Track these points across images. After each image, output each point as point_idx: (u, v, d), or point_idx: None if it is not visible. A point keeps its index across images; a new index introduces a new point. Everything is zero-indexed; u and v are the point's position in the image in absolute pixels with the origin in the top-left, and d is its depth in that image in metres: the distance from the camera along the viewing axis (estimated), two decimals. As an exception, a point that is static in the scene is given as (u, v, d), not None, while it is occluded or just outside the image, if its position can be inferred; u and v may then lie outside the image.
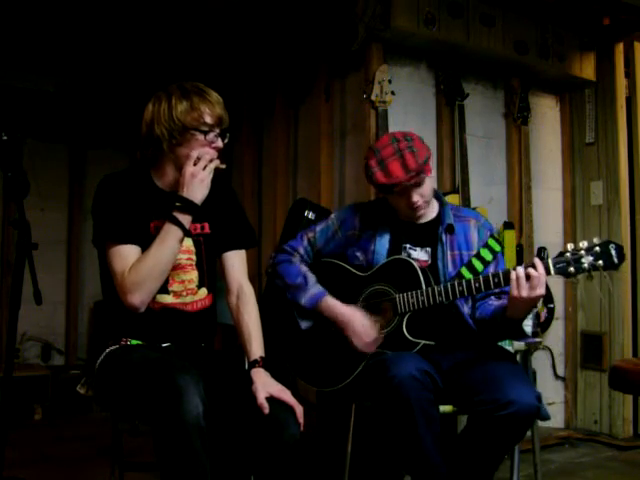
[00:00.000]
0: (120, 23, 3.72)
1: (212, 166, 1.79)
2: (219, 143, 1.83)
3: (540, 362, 3.62)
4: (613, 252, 1.80)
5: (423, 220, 2.16)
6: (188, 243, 1.87)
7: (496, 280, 1.91)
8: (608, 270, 1.81)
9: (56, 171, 4.75)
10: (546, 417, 1.97)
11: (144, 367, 1.63)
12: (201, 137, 1.78)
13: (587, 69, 3.67)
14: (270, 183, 4.03)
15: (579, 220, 3.78)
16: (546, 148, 3.81)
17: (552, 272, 1.84)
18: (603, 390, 3.57)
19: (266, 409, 1.64)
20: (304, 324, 2.21)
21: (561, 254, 1.85)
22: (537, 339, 2.26)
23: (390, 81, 3.03)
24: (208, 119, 1.78)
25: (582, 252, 1.82)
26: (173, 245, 1.75)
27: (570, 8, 3.44)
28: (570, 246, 1.85)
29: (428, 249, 2.13)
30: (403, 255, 2.11)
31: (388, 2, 3.04)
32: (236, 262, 1.96)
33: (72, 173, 4.82)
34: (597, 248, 1.81)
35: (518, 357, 2.30)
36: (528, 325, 2.63)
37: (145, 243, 1.77)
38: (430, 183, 2.10)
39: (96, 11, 3.57)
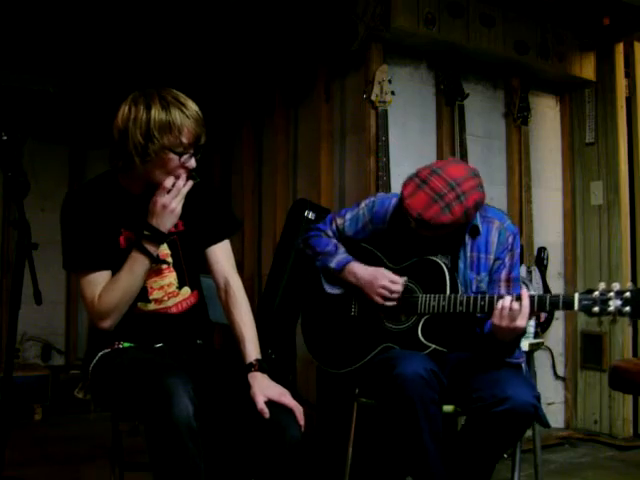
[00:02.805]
0: (121, 23, 3.72)
1: (184, 191, 1.72)
2: (192, 163, 1.73)
3: (540, 362, 3.62)
4: None
5: None
6: (163, 246, 1.82)
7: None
8: (634, 318, 1.76)
9: (56, 171, 4.76)
10: (546, 424, 1.97)
11: (133, 370, 1.64)
12: (176, 158, 1.70)
13: (587, 69, 3.67)
14: (270, 183, 4.03)
15: (579, 220, 3.78)
16: (546, 148, 3.80)
17: (576, 307, 1.80)
18: (603, 390, 3.57)
19: (266, 414, 1.62)
20: (330, 289, 2.22)
21: (589, 291, 1.79)
22: (539, 339, 2.24)
23: (390, 81, 3.03)
24: (185, 139, 1.68)
25: (611, 294, 1.75)
26: (141, 273, 1.73)
27: (570, 8, 3.44)
28: (601, 285, 1.78)
29: (448, 255, 2.10)
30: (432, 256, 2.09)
31: (388, 2, 3.04)
32: (220, 256, 1.91)
33: (72, 173, 4.82)
34: (628, 294, 1.73)
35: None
36: (530, 325, 2.63)
37: (115, 259, 1.75)
38: (450, 231, 2.00)
39: (96, 11, 3.57)
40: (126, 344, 1.82)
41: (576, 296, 1.80)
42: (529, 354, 2.45)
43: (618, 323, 3.51)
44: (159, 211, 1.70)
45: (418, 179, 1.95)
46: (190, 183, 1.74)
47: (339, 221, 2.26)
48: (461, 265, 2.08)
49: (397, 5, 3.04)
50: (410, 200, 1.93)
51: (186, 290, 1.88)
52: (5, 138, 1.78)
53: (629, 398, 3.49)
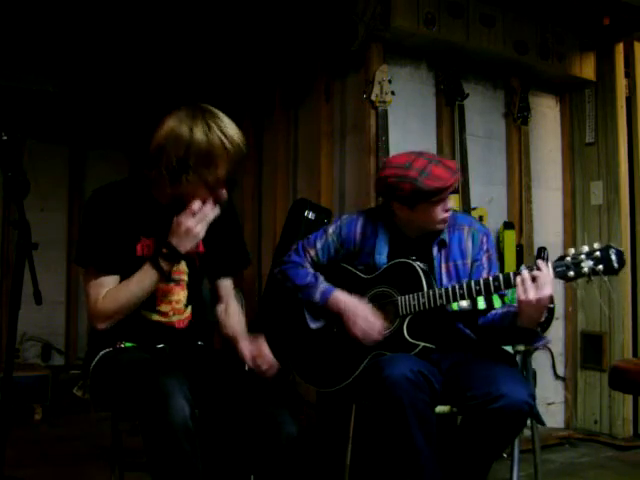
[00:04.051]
0: (120, 23, 3.72)
1: (210, 217, 1.71)
2: (223, 194, 1.73)
3: (540, 362, 3.62)
4: (613, 257, 1.78)
5: (418, 234, 2.14)
6: (181, 264, 1.84)
7: (496, 284, 1.91)
8: (608, 275, 1.79)
9: (56, 171, 4.76)
10: (540, 422, 1.97)
11: (131, 370, 1.64)
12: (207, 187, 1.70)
13: (587, 69, 3.67)
14: (270, 183, 4.03)
15: (579, 220, 3.78)
16: (546, 148, 3.80)
17: (551, 275, 1.83)
18: (603, 390, 3.57)
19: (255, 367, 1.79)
20: (314, 324, 2.23)
21: (561, 258, 1.85)
22: (548, 338, 2.29)
23: (390, 81, 3.03)
24: (220, 174, 1.67)
25: (582, 256, 1.81)
26: (149, 287, 1.73)
27: (570, 8, 3.44)
28: (571, 250, 1.84)
29: (425, 264, 2.12)
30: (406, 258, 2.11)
31: (388, 2, 3.04)
32: (228, 288, 2.01)
33: (72, 173, 4.83)
34: (597, 253, 1.80)
35: (518, 357, 2.29)
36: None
37: (127, 265, 1.74)
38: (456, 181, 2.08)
39: (96, 11, 3.57)
40: (128, 344, 1.82)
41: (550, 265, 1.84)
42: (528, 354, 2.45)
43: (617, 322, 3.52)
44: (182, 233, 1.69)
45: (418, 162, 2.03)
46: (217, 210, 1.73)
47: (312, 252, 2.27)
48: (436, 277, 2.11)
49: (397, 5, 3.04)
50: (443, 176, 1.98)
51: (189, 309, 1.89)
52: (5, 138, 1.78)
53: (629, 398, 3.49)
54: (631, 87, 3.62)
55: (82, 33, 3.87)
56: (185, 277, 1.87)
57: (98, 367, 1.79)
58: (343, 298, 2.13)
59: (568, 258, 1.83)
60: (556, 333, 3.74)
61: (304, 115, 3.84)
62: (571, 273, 1.82)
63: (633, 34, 3.58)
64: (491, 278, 1.92)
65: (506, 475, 2.33)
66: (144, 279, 1.72)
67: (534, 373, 3.27)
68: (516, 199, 3.55)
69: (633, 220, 3.59)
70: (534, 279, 1.83)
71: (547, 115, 3.83)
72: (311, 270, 2.24)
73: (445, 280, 2.10)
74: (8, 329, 1.85)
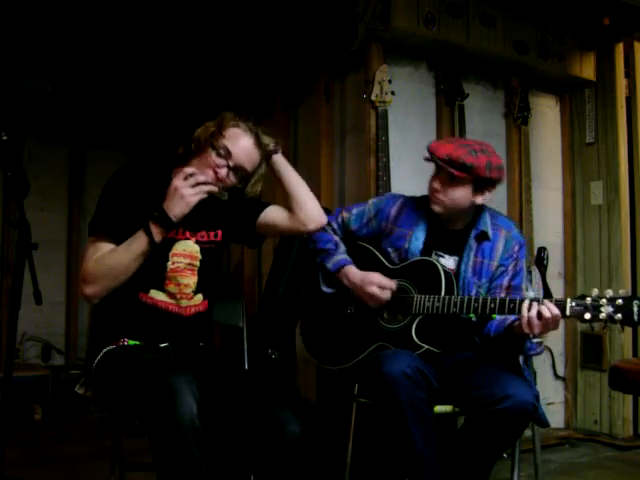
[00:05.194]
0: (121, 22, 3.72)
1: (205, 188, 1.75)
2: (222, 172, 1.81)
3: (540, 362, 3.62)
4: (635, 309, 1.71)
5: (458, 227, 2.14)
6: (194, 249, 1.86)
7: (511, 306, 1.87)
8: (625, 325, 1.73)
9: (56, 171, 4.75)
10: (545, 423, 1.97)
11: (138, 368, 1.64)
12: (213, 153, 1.79)
13: (587, 69, 3.67)
14: (269, 182, 4.02)
15: (579, 220, 3.78)
16: (546, 148, 3.80)
17: (567, 312, 1.78)
18: (603, 390, 3.57)
19: None
20: (326, 289, 2.25)
21: (582, 297, 1.77)
22: (539, 350, 2.26)
23: (390, 81, 3.03)
24: (227, 147, 1.81)
25: (603, 300, 1.74)
26: (137, 252, 1.74)
27: (570, 8, 3.44)
28: (595, 291, 1.77)
29: (456, 257, 2.12)
30: (433, 258, 2.11)
31: (388, 2, 3.04)
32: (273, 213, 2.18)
33: (72, 173, 4.82)
34: (620, 301, 1.72)
35: (520, 357, 2.29)
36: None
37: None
38: (464, 194, 2.03)
39: (96, 11, 3.57)
40: (131, 342, 1.82)
41: (568, 301, 1.79)
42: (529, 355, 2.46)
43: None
44: (171, 193, 1.74)
45: (445, 138, 2.08)
46: (212, 188, 1.78)
47: (345, 215, 2.31)
48: (463, 267, 2.09)
49: (397, 5, 3.04)
50: (439, 147, 2.02)
51: (199, 297, 1.90)
52: (5, 138, 1.78)
53: (629, 398, 3.49)
54: (631, 87, 3.62)
55: (82, 33, 3.87)
56: (197, 263, 1.88)
57: (102, 364, 1.79)
58: (351, 273, 2.14)
59: (589, 299, 1.76)
60: (556, 333, 3.73)
61: (304, 115, 3.83)
62: (587, 315, 1.75)
63: (633, 34, 3.58)
64: (507, 300, 1.88)
65: (506, 475, 2.33)
66: (132, 243, 1.74)
67: (534, 373, 3.27)
68: (516, 199, 3.55)
69: (633, 220, 3.59)
70: (540, 316, 1.79)
71: (547, 115, 3.83)
72: (336, 237, 2.25)
73: (470, 274, 2.09)
74: (8, 329, 1.85)
